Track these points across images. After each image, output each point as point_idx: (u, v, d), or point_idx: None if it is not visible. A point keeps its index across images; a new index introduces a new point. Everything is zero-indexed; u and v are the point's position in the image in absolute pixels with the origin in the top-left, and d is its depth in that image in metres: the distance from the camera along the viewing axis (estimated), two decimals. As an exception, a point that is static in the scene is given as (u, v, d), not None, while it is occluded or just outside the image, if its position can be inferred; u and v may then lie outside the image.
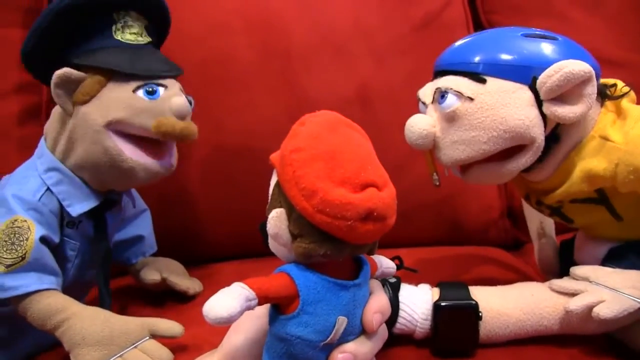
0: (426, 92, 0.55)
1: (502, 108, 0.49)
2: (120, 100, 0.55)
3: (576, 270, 0.54)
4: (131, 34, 0.58)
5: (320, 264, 0.38)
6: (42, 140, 0.60)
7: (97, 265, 0.60)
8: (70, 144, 0.57)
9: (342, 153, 0.37)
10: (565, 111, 0.48)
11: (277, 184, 0.39)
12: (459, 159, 0.51)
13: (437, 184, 0.58)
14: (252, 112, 0.84)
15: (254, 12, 0.85)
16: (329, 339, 0.38)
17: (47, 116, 0.60)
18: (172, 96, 0.58)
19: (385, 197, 0.37)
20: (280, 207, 0.38)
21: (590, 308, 0.49)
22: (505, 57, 0.50)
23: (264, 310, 0.41)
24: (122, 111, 0.55)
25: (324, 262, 0.38)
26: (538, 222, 0.70)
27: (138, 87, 0.56)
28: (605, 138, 0.50)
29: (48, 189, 0.56)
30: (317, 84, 0.86)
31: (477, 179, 0.55)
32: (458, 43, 0.55)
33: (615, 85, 0.53)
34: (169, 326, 0.54)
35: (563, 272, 0.57)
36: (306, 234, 0.37)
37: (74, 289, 0.59)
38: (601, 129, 0.51)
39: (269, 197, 0.41)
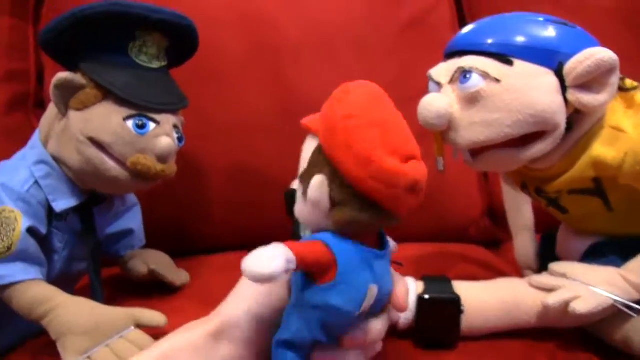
0: (441, 72, 0.53)
1: (530, 91, 0.47)
2: (108, 123, 0.55)
3: (554, 266, 0.55)
4: (146, 54, 0.58)
5: (353, 233, 0.37)
6: (37, 131, 0.60)
7: (88, 258, 0.60)
8: (59, 144, 0.57)
9: (391, 123, 0.37)
10: (589, 99, 0.47)
11: (319, 150, 0.38)
12: (477, 140, 0.49)
13: (442, 168, 0.55)
14: (241, 105, 0.84)
15: (245, 7, 0.86)
16: (362, 307, 0.37)
17: (35, 105, 0.59)
18: (160, 135, 0.57)
19: (424, 170, 0.37)
20: (321, 173, 0.37)
21: (566, 303, 0.50)
22: (533, 40, 0.48)
23: (269, 287, 0.41)
24: (107, 136, 0.54)
25: (356, 232, 0.37)
26: (519, 218, 0.71)
27: (129, 117, 0.55)
28: (617, 129, 0.50)
29: (36, 181, 0.56)
30: (305, 79, 0.86)
31: (488, 165, 0.53)
32: (478, 24, 0.53)
33: (624, 78, 0.52)
34: (153, 316, 0.55)
35: (543, 267, 0.58)
36: (348, 202, 0.36)
37: (62, 281, 0.59)
38: (612, 119, 0.50)
39: (303, 163, 0.39)
